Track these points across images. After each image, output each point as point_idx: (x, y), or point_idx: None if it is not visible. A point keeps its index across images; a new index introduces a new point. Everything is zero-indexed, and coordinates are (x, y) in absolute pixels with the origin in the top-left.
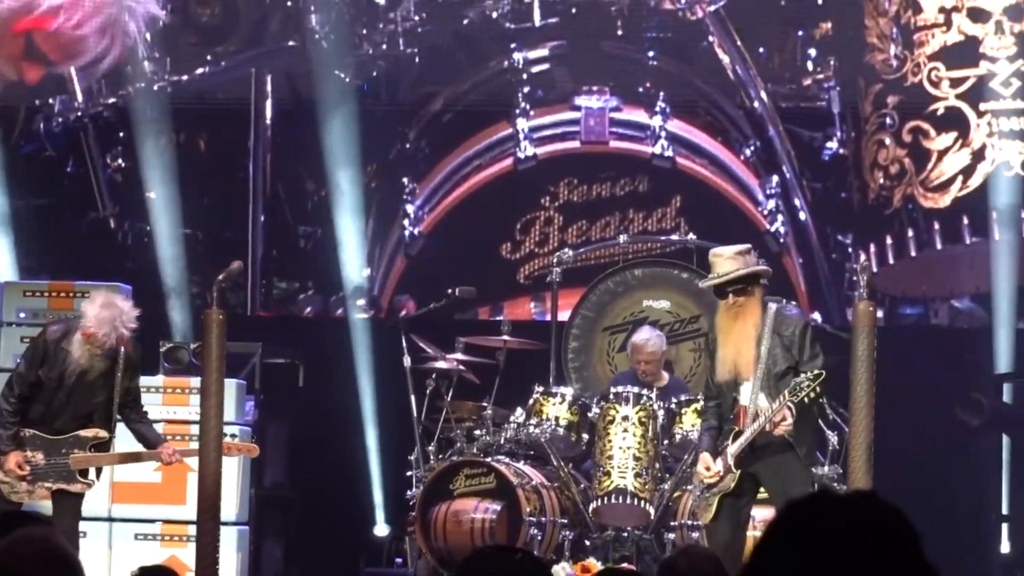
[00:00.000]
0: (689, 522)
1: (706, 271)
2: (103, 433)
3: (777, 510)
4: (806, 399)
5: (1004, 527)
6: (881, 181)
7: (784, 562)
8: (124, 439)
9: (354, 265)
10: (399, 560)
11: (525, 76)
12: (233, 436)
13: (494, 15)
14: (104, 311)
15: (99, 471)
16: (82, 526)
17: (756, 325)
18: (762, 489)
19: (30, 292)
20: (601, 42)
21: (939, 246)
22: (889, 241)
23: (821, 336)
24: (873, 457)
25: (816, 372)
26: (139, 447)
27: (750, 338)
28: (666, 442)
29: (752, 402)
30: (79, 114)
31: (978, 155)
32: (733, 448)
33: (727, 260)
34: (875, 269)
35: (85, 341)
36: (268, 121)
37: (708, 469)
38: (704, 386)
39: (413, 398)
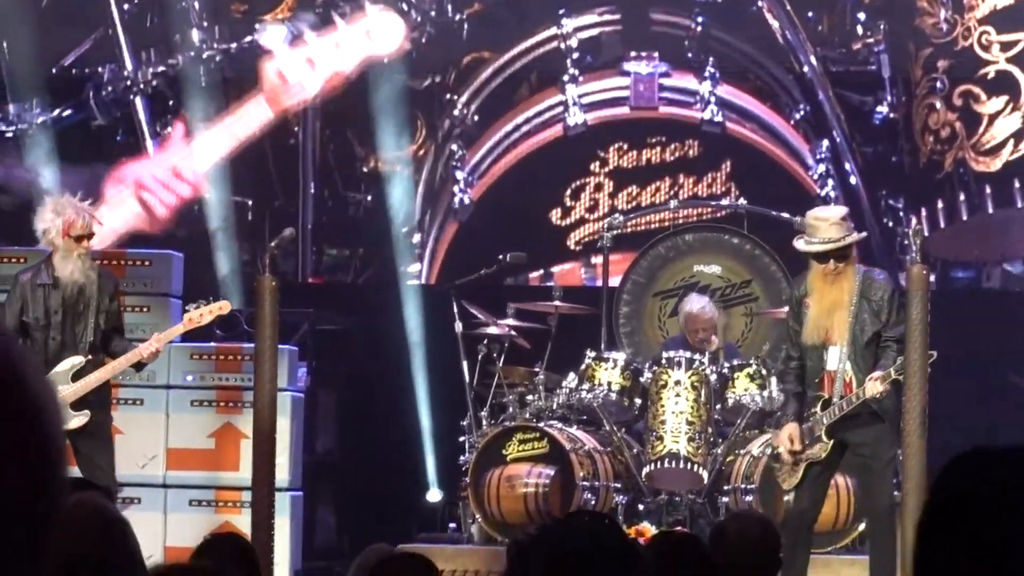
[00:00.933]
0: (742, 486)
1: (758, 235)
2: (77, 359)
3: (941, 466)
4: (902, 377)
5: None
6: (932, 145)
7: (956, 518)
8: None
9: (403, 232)
10: (452, 525)
11: (574, 42)
12: (198, 305)
13: None
14: (55, 205)
15: (95, 408)
16: (136, 492)
17: (851, 291)
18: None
19: None
20: (650, 8)
21: (991, 210)
22: (940, 205)
23: None
24: (927, 421)
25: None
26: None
27: (844, 304)
28: (719, 406)
29: (840, 368)
30: (128, 83)
31: None
32: (825, 417)
33: (832, 226)
34: (927, 233)
35: (71, 246)
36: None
37: (792, 442)
38: (787, 346)
39: (465, 364)
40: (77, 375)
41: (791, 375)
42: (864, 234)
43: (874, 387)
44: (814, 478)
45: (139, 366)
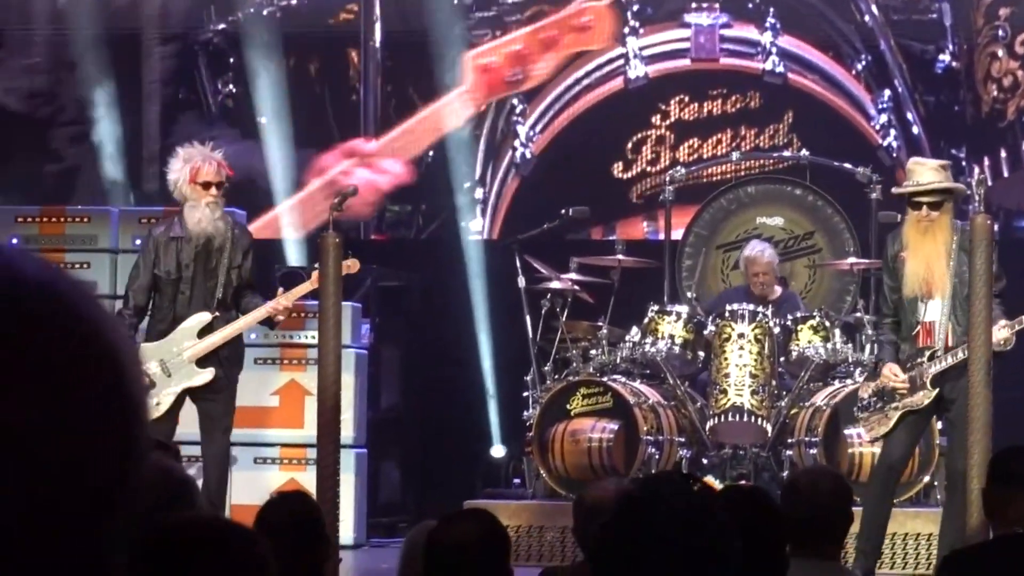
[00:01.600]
0: (806, 439)
1: (821, 186)
2: (205, 316)
3: None
4: None
5: None
6: (995, 94)
7: None
8: None
9: (466, 187)
10: (517, 481)
11: None
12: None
13: None
14: (184, 154)
15: (228, 365)
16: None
17: (946, 242)
18: None
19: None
20: None
21: None
22: (1003, 154)
23: None
24: (992, 372)
25: None
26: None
27: (940, 255)
28: (782, 359)
29: (941, 320)
30: (188, 40)
31: None
32: (933, 366)
33: (929, 171)
34: (990, 183)
35: (199, 193)
36: (378, 45)
37: (896, 376)
38: (880, 302)
39: (528, 318)
40: (203, 332)
41: (886, 328)
42: (960, 184)
43: (998, 335)
44: (909, 426)
45: (270, 323)
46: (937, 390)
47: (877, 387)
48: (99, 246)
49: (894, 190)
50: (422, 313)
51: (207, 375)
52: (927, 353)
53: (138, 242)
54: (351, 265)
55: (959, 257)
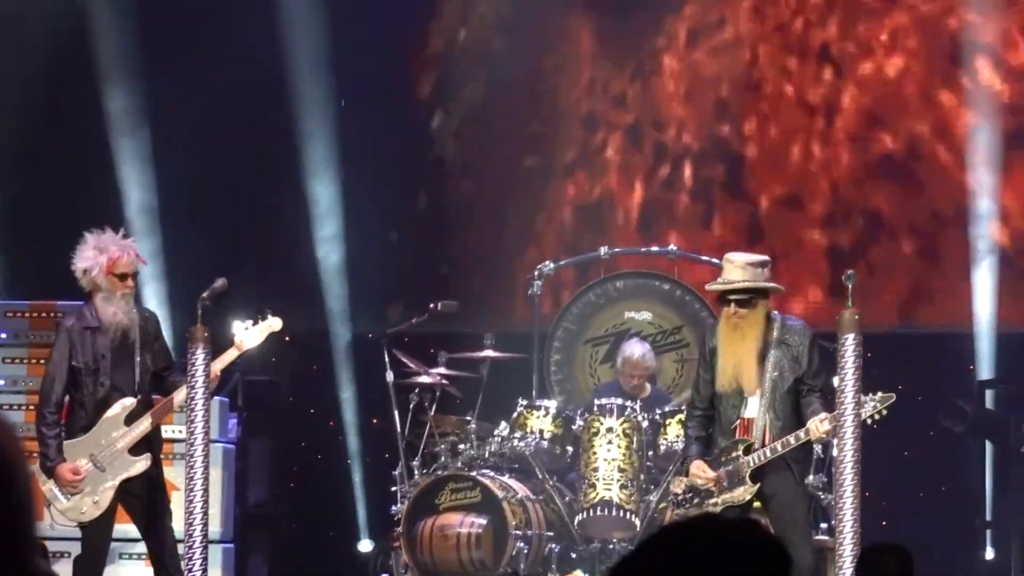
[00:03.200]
0: None
1: (691, 281)
2: (128, 401)
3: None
4: (868, 420)
5: (988, 533)
6: None
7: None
8: None
9: (335, 279)
10: (384, 575)
11: None
12: (247, 326)
13: None
14: (97, 242)
15: (155, 447)
16: (67, 547)
17: (757, 339)
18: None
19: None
20: None
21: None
22: None
23: None
24: (861, 469)
25: (885, 395)
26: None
27: (751, 352)
28: (651, 453)
29: (759, 416)
30: None
31: None
32: (752, 459)
33: (738, 268)
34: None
35: (115, 285)
36: None
37: (704, 472)
38: (692, 393)
39: (396, 413)
40: (130, 418)
41: (694, 421)
42: (775, 286)
43: (820, 427)
44: None
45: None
46: (758, 485)
47: (689, 482)
48: None
49: (706, 286)
50: (291, 407)
51: (144, 462)
52: (741, 447)
53: (3, 335)
54: (273, 325)
55: (779, 349)
